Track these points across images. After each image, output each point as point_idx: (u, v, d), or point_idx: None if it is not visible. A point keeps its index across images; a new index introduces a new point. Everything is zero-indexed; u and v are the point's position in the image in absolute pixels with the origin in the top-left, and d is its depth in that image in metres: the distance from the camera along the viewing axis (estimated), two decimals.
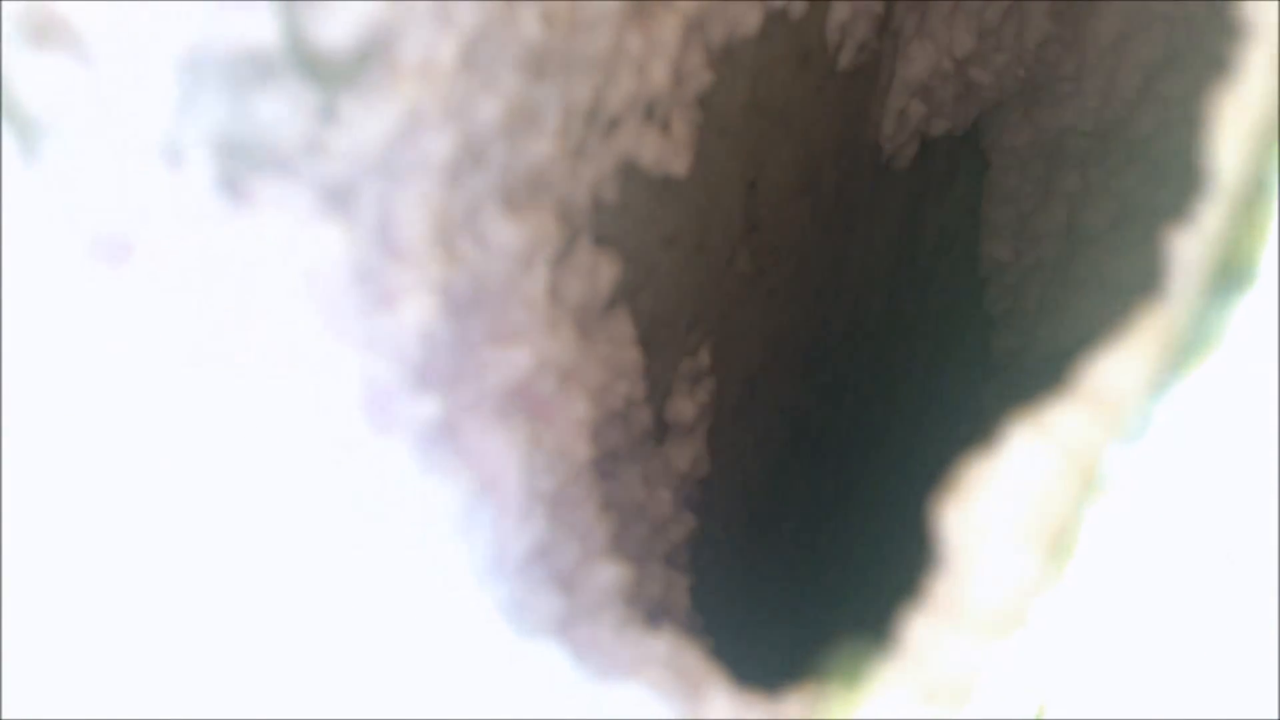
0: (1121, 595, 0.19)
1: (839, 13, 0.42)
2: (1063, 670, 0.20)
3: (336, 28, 0.25)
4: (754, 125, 0.39)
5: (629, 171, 0.34)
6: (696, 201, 0.38)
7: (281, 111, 0.24)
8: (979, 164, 0.53)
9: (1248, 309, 0.19)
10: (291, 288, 0.25)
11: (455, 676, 0.25)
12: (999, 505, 0.21)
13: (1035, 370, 0.63)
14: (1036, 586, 0.20)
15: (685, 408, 0.41)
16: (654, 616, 0.40)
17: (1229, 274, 0.20)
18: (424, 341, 0.28)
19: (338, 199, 0.26)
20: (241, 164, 0.24)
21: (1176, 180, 0.57)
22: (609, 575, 0.33)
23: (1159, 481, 0.19)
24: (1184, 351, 0.20)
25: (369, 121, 0.26)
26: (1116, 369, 0.21)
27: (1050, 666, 0.20)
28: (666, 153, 0.35)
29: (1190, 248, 0.22)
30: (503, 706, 0.25)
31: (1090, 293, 0.62)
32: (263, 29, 0.24)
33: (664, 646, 0.30)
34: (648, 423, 0.38)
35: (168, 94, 0.22)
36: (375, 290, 0.27)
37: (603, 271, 0.34)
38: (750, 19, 0.37)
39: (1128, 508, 0.19)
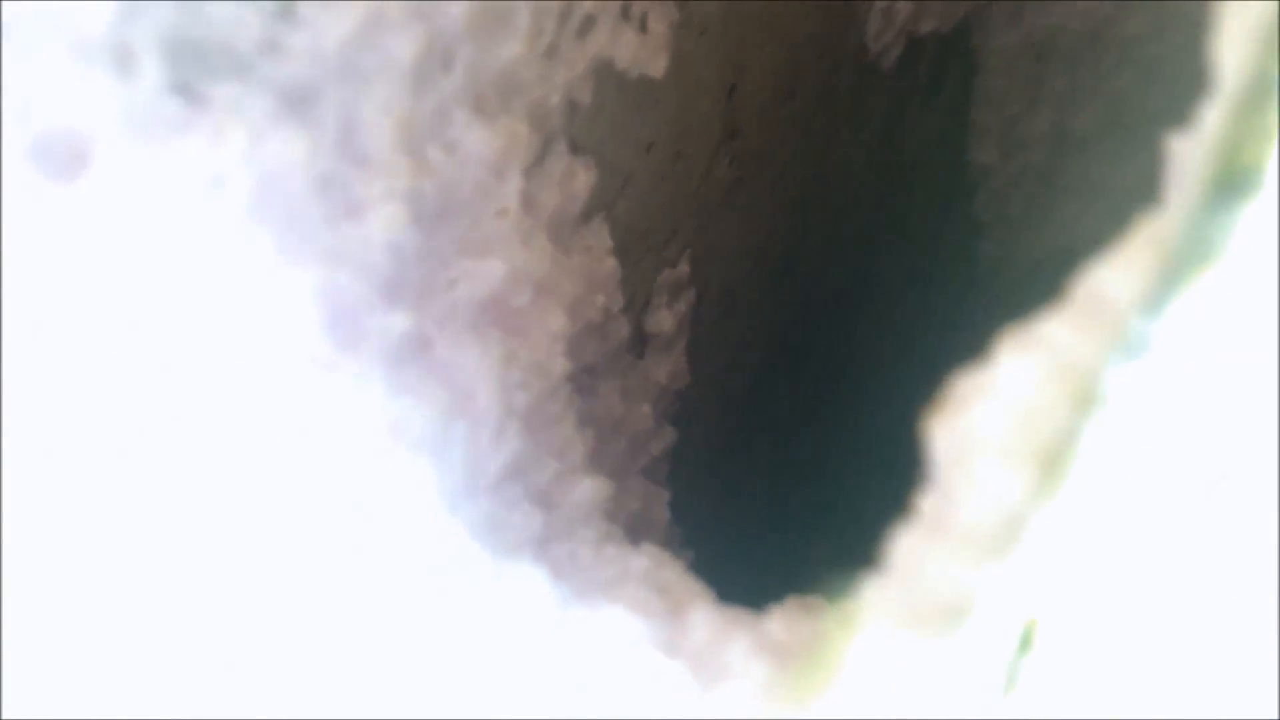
0: (1117, 517, 0.18)
1: None
2: (1054, 590, 0.19)
3: None
4: (733, 25, 0.38)
5: (604, 74, 0.33)
6: (675, 105, 0.37)
7: (236, 11, 0.23)
8: (967, 65, 0.52)
9: (1253, 218, 0.19)
10: (250, 198, 0.23)
11: (431, 604, 0.24)
12: (989, 420, 0.21)
13: (1023, 278, 0.62)
14: (1028, 505, 0.19)
15: (664, 319, 0.40)
16: (633, 532, 0.39)
17: (1232, 180, 0.19)
18: (392, 254, 0.26)
19: (298, 103, 0.25)
20: (195, 67, 0.23)
21: (1171, 82, 0.56)
22: (587, 490, 0.32)
23: (1158, 401, 0.18)
24: (1183, 262, 0.20)
25: (329, 21, 0.25)
26: (1111, 279, 0.20)
27: (1041, 586, 0.19)
28: (643, 53, 0.33)
29: (1190, 151, 0.21)
30: (478, 633, 0.24)
31: (1079, 198, 0.61)
32: None
33: (644, 562, 0.29)
34: (626, 335, 0.37)
35: None
36: (340, 200, 0.26)
37: (578, 179, 0.33)
38: None
39: (1126, 427, 0.18)
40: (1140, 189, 0.63)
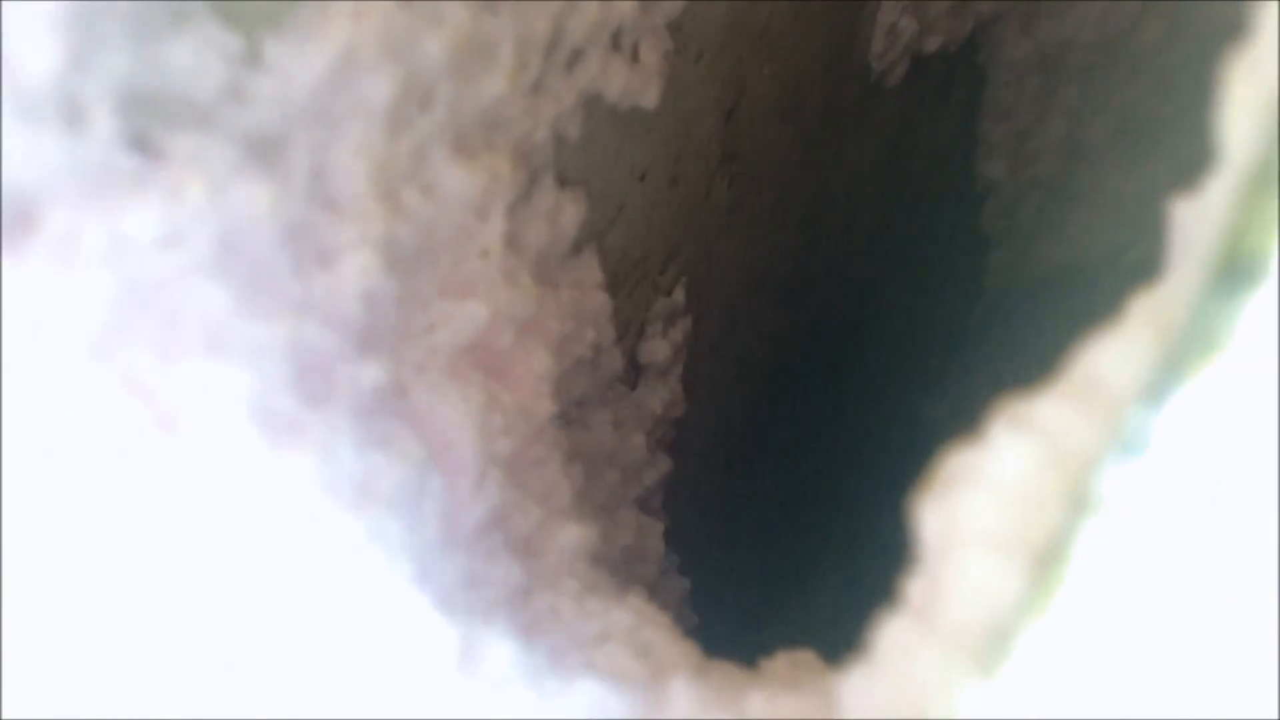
0: (1115, 631, 0.17)
1: None
2: (1045, 708, 0.18)
3: None
4: (731, 48, 0.36)
5: (594, 106, 0.32)
6: (669, 132, 0.35)
7: (196, 59, 0.22)
8: (975, 80, 0.50)
9: (1260, 307, 0.17)
10: (212, 253, 0.22)
11: (395, 687, 0.23)
12: (978, 506, 0.20)
13: (1030, 289, 0.61)
14: (1020, 606, 0.18)
15: (659, 348, 0.39)
16: (624, 567, 0.38)
17: (1237, 264, 0.18)
18: (365, 302, 0.25)
19: (264, 152, 0.24)
20: (152, 119, 0.22)
21: (1182, 92, 0.55)
22: (572, 535, 0.31)
23: (1160, 506, 0.17)
24: (1185, 348, 0.18)
25: (298, 65, 0.24)
26: (1109, 362, 0.19)
27: (1033, 704, 0.18)
28: (635, 83, 0.32)
29: (1194, 224, 0.20)
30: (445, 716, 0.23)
31: (1089, 208, 0.60)
32: None
33: (628, 617, 0.28)
34: (618, 367, 0.36)
35: (55, 46, 0.20)
36: (309, 250, 0.25)
37: (567, 213, 0.32)
38: None
39: (1125, 534, 0.17)
40: (1149, 198, 0.62)
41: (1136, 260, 0.60)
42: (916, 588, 0.20)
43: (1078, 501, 0.18)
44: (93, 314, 0.21)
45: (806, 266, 0.46)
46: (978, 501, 0.19)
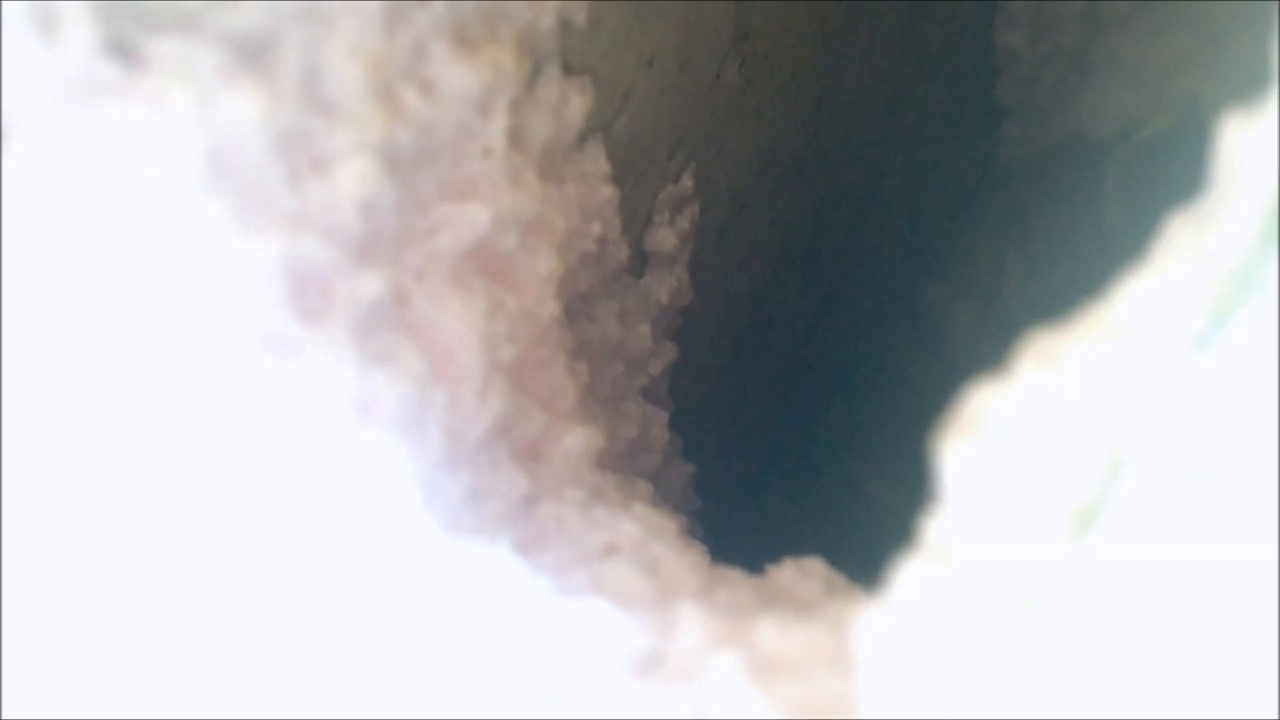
0: (1141, 588, 0.17)
1: None
2: (1067, 659, 0.17)
3: None
4: None
5: None
6: (680, 13, 0.34)
7: None
8: None
9: None
10: (202, 166, 0.21)
11: (403, 612, 0.23)
12: (1006, 453, 0.19)
13: (1041, 162, 0.60)
14: (1045, 556, 0.18)
15: (666, 237, 0.37)
16: (630, 456, 0.38)
17: None
18: (363, 211, 0.24)
19: (253, 55, 0.22)
20: (132, 24, 0.20)
21: None
22: (578, 439, 0.30)
23: (1200, 464, 0.16)
24: (1232, 288, 0.17)
25: None
26: (1147, 300, 0.18)
27: (1055, 653, 0.17)
28: None
29: (1248, 156, 0.18)
30: (455, 639, 0.23)
31: (1106, 79, 0.58)
32: None
33: (634, 529, 0.28)
34: (624, 257, 0.35)
35: None
36: (302, 158, 0.23)
37: (572, 104, 0.30)
38: None
39: (1159, 490, 0.16)
40: (1169, 71, 0.60)
41: (1151, 136, 0.59)
42: (936, 529, 0.20)
43: (1112, 452, 0.17)
44: (72, 233, 0.20)
45: (818, 146, 0.45)
46: (1004, 448, 0.19)
